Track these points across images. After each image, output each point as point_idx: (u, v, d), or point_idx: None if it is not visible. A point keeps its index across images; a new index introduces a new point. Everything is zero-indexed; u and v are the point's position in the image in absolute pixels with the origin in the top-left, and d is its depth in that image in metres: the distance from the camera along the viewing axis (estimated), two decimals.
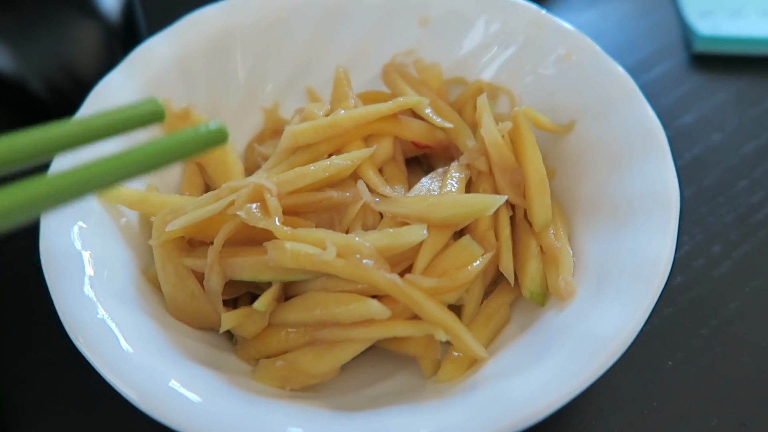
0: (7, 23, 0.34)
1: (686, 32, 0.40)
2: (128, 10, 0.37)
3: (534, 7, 0.31)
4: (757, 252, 0.30)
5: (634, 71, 0.39)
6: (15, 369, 0.28)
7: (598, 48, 0.29)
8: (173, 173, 0.31)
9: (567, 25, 0.30)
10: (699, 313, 0.28)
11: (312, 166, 0.26)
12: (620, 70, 0.28)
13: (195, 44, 0.32)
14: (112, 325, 0.22)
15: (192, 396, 0.20)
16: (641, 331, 0.27)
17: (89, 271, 0.23)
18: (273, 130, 0.33)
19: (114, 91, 0.29)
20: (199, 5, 0.33)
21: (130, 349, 0.21)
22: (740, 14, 0.40)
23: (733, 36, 0.39)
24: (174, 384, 0.20)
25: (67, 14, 0.34)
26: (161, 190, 0.29)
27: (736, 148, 0.34)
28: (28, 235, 0.31)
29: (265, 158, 0.30)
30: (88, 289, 0.23)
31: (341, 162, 0.26)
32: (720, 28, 0.39)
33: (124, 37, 0.36)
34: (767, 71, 0.38)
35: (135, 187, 0.28)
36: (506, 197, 0.25)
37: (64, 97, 0.35)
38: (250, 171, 0.31)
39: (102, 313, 0.22)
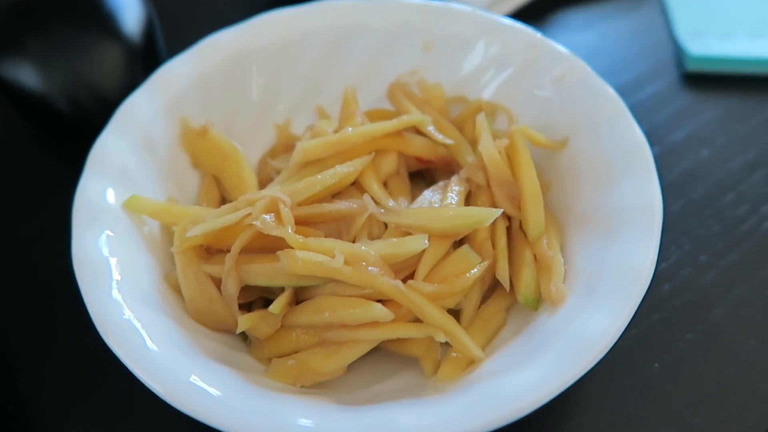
0: (36, 45, 0.36)
1: (678, 52, 0.42)
2: (149, 33, 0.39)
3: (531, 31, 0.33)
4: (742, 262, 0.32)
5: (628, 89, 0.41)
6: (43, 368, 0.30)
7: (590, 69, 0.31)
8: (191, 185, 0.33)
9: (561, 48, 0.32)
10: (685, 319, 0.30)
11: (319, 176, 0.28)
12: (610, 90, 0.30)
13: (213, 65, 0.34)
14: (138, 326, 0.24)
15: (212, 390, 0.22)
16: (631, 334, 0.29)
17: (116, 276, 0.25)
18: (285, 146, 0.35)
19: (138, 109, 0.31)
20: (216, 28, 0.35)
21: (155, 348, 0.23)
22: (730, 35, 0.42)
23: (723, 56, 0.40)
24: (195, 379, 0.22)
25: (92, 36, 0.36)
26: (180, 201, 0.31)
27: (724, 163, 0.36)
28: (59, 241, 0.33)
29: (278, 172, 0.32)
30: (115, 293, 0.25)
31: (345, 169, 0.28)
32: (710, 48, 0.41)
33: (145, 58, 0.38)
34: (755, 90, 0.40)
35: (156, 197, 0.30)
36: (502, 210, 0.27)
37: (87, 114, 0.37)
38: (263, 184, 0.32)
39: (128, 314, 0.24)
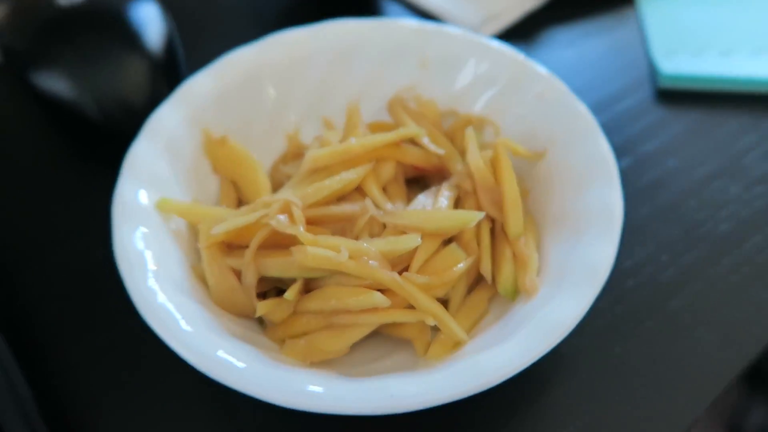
0: (69, 56, 0.39)
1: (652, 70, 0.46)
2: (170, 48, 0.42)
3: (515, 52, 0.37)
4: (698, 260, 0.35)
5: (605, 103, 0.44)
6: (77, 354, 0.33)
7: (566, 88, 0.35)
8: (212, 188, 0.36)
9: (542, 69, 0.36)
10: (646, 309, 0.34)
11: (326, 181, 0.31)
12: (584, 108, 0.34)
13: (230, 80, 0.37)
14: (172, 309, 0.27)
15: (237, 362, 0.26)
16: (598, 323, 0.33)
17: (152, 266, 0.28)
18: (294, 153, 0.38)
19: (165, 120, 0.35)
20: (230, 44, 0.38)
21: (188, 328, 0.26)
22: (701, 55, 0.46)
23: (693, 75, 0.44)
24: (221, 353, 0.26)
25: (120, 50, 0.39)
26: (203, 202, 0.35)
27: (688, 173, 0.40)
28: (89, 237, 0.37)
29: (288, 177, 0.36)
30: (152, 281, 0.28)
31: (349, 175, 0.31)
32: (681, 67, 0.45)
33: (167, 71, 0.41)
34: (720, 106, 0.43)
35: (183, 199, 0.34)
36: (485, 213, 0.31)
37: (115, 122, 0.40)
38: (275, 187, 0.36)
39: (163, 299, 0.27)
